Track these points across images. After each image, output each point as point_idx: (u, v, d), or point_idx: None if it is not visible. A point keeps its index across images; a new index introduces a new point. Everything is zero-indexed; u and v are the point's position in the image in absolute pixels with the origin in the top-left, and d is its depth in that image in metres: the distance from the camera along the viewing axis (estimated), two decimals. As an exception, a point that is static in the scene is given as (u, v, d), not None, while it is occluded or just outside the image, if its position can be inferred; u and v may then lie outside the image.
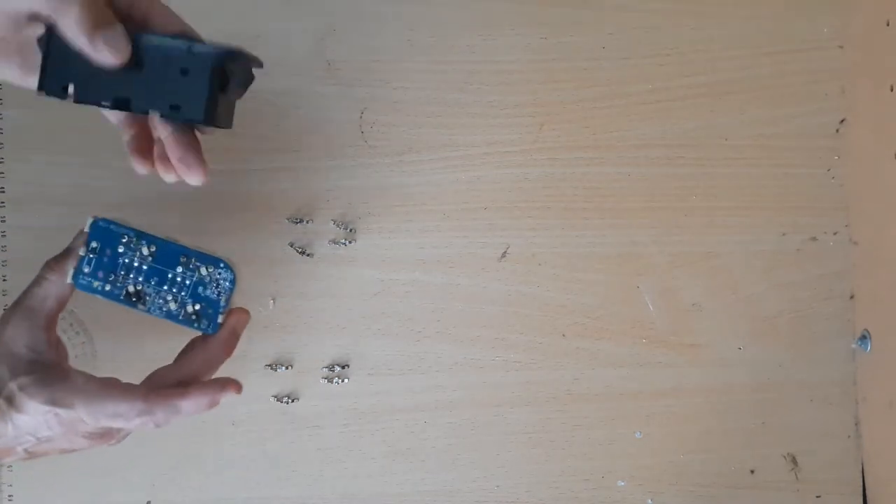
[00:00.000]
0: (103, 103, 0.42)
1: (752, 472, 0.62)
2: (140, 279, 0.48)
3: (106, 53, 0.40)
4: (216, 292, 0.49)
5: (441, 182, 0.60)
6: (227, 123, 0.46)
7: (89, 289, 0.48)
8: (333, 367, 0.60)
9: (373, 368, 0.60)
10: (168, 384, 0.47)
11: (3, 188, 0.58)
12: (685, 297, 0.62)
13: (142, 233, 0.48)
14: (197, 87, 0.42)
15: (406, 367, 0.60)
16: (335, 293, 0.60)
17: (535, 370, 0.61)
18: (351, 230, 0.60)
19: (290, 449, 0.60)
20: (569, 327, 0.61)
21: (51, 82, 0.42)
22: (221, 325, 0.49)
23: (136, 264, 0.48)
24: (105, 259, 0.48)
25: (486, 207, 0.61)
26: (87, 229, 0.48)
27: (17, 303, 0.47)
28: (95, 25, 0.40)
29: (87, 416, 0.44)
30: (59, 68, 0.41)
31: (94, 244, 0.48)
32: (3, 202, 0.58)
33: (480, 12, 0.61)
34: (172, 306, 0.48)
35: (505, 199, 0.61)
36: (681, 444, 0.62)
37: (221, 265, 0.49)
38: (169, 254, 0.48)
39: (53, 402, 0.44)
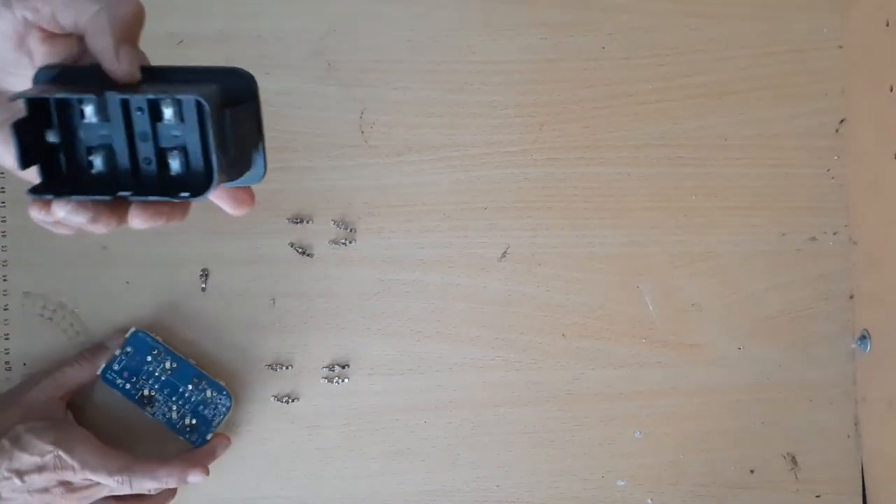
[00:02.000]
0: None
1: (752, 472, 0.62)
2: (156, 386, 0.56)
3: (126, 66, 0.37)
4: (212, 414, 0.57)
5: (441, 182, 0.60)
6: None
7: (112, 384, 0.56)
8: (333, 367, 0.60)
9: (373, 368, 0.60)
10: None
11: (3, 188, 0.58)
12: (685, 297, 0.62)
13: (169, 350, 0.57)
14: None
15: (406, 367, 0.60)
16: (335, 293, 0.60)
17: (535, 370, 0.61)
18: (351, 230, 0.60)
19: (290, 449, 0.60)
20: (569, 327, 0.61)
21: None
22: (207, 441, 0.57)
23: (156, 374, 0.56)
24: (133, 363, 0.56)
25: (486, 207, 0.61)
26: (127, 335, 0.56)
27: (49, 372, 0.55)
28: (125, 37, 0.37)
29: (80, 463, 0.52)
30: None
31: (128, 349, 0.56)
32: (3, 202, 0.58)
33: (480, 12, 0.61)
34: (174, 416, 0.57)
35: (505, 199, 0.61)
36: (681, 444, 0.62)
37: (224, 392, 0.57)
38: (185, 372, 0.57)
39: (57, 443, 0.52)
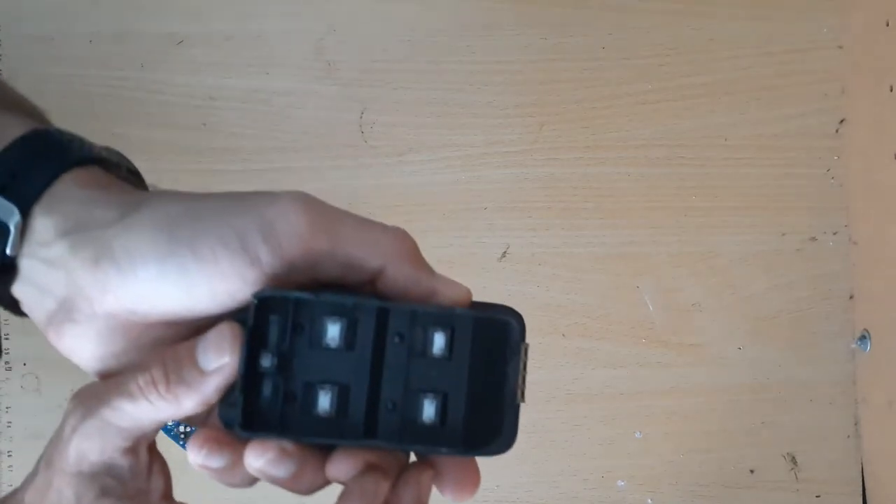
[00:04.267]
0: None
1: (752, 472, 0.62)
2: None
3: (458, 284, 0.32)
4: None
5: (441, 182, 0.60)
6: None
7: None
8: (333, 367, 0.60)
9: (373, 368, 0.60)
10: None
11: None
12: (685, 297, 0.62)
13: None
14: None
15: (406, 367, 0.60)
16: (335, 293, 0.60)
17: (535, 370, 0.61)
18: (351, 230, 0.60)
19: (290, 449, 0.60)
20: (569, 327, 0.61)
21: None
22: None
23: None
24: None
25: (486, 207, 0.61)
26: None
27: (96, 407, 0.30)
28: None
29: None
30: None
31: None
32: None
33: (480, 12, 0.61)
34: (169, 422, 0.51)
35: (505, 199, 0.61)
36: (681, 444, 0.62)
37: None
38: None
39: None
